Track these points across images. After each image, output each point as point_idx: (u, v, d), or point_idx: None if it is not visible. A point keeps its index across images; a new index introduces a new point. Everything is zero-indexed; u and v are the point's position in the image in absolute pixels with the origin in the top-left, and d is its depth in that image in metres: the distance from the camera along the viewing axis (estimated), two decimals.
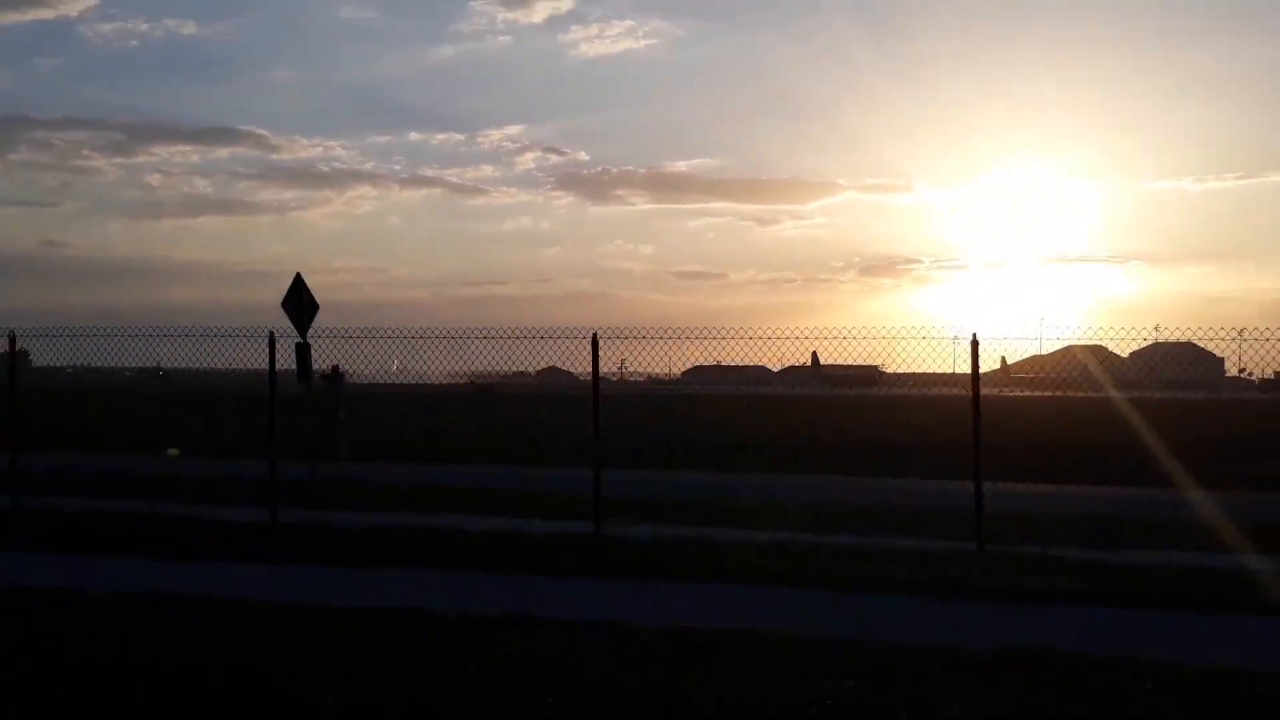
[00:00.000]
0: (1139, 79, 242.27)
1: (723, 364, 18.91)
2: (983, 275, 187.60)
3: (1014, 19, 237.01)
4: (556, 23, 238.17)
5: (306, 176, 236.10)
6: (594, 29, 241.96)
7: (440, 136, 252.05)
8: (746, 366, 21.89)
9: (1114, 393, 29.02)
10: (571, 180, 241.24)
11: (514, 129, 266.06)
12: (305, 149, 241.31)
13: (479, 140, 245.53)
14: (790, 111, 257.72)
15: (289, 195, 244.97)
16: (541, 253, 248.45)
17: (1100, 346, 17.96)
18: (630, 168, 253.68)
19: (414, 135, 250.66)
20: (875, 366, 19.49)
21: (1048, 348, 17.62)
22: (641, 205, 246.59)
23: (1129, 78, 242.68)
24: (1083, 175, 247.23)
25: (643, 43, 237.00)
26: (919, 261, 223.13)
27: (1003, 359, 20.58)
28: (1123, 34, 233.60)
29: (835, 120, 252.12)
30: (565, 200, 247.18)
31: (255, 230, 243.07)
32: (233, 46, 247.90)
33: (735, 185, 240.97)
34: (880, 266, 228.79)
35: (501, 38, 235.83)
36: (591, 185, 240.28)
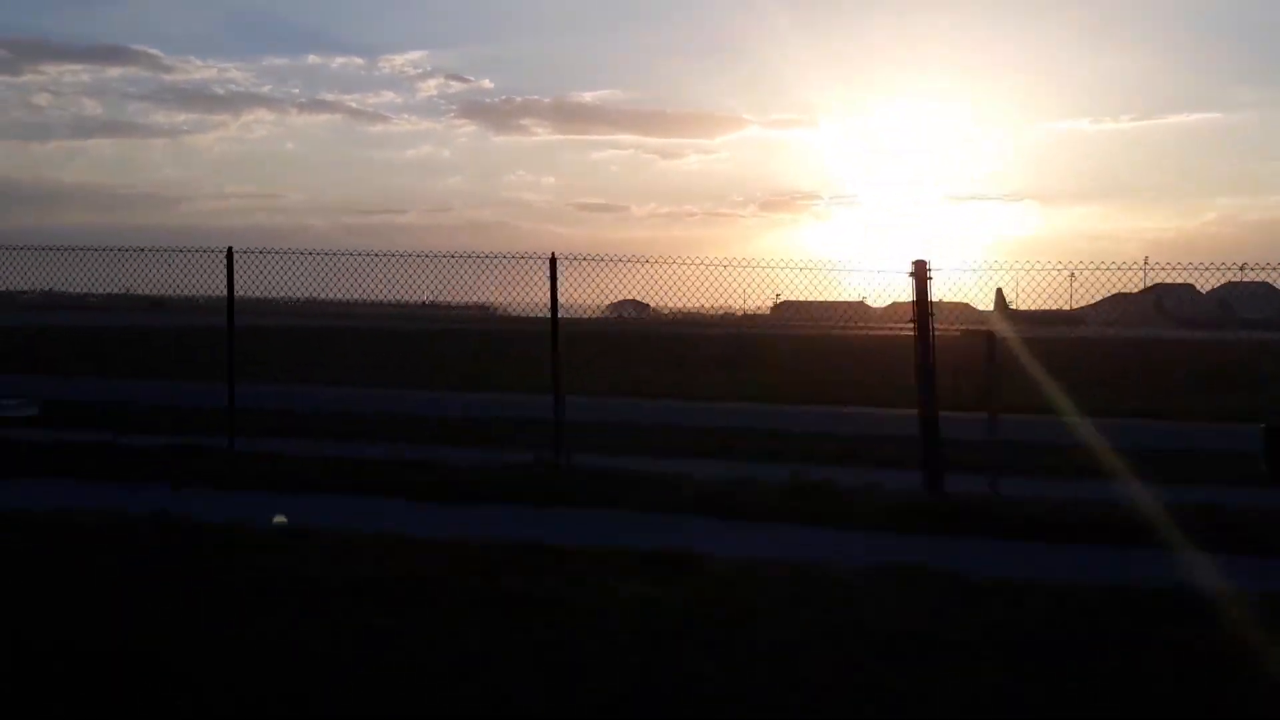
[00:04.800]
0: (1041, 21, 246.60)
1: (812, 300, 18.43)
2: (877, 212, 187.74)
3: None
4: None
5: (200, 99, 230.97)
6: None
7: (340, 60, 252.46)
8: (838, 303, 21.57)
9: None
10: (475, 109, 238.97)
11: (417, 54, 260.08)
12: (199, 70, 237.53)
13: (380, 65, 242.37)
14: (699, 46, 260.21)
15: (182, 118, 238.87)
16: (442, 182, 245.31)
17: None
18: (535, 97, 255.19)
19: (313, 58, 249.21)
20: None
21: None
22: (545, 136, 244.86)
23: (1032, 20, 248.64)
24: (984, 115, 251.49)
25: None
26: (819, 197, 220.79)
27: (998, 291, 20.48)
28: None
29: (743, 56, 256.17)
30: (468, 129, 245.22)
31: (147, 154, 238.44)
32: None
33: (641, 118, 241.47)
34: (780, 201, 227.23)
35: None
36: (495, 114, 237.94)
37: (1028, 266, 14.88)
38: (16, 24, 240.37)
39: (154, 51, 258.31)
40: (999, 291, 17.52)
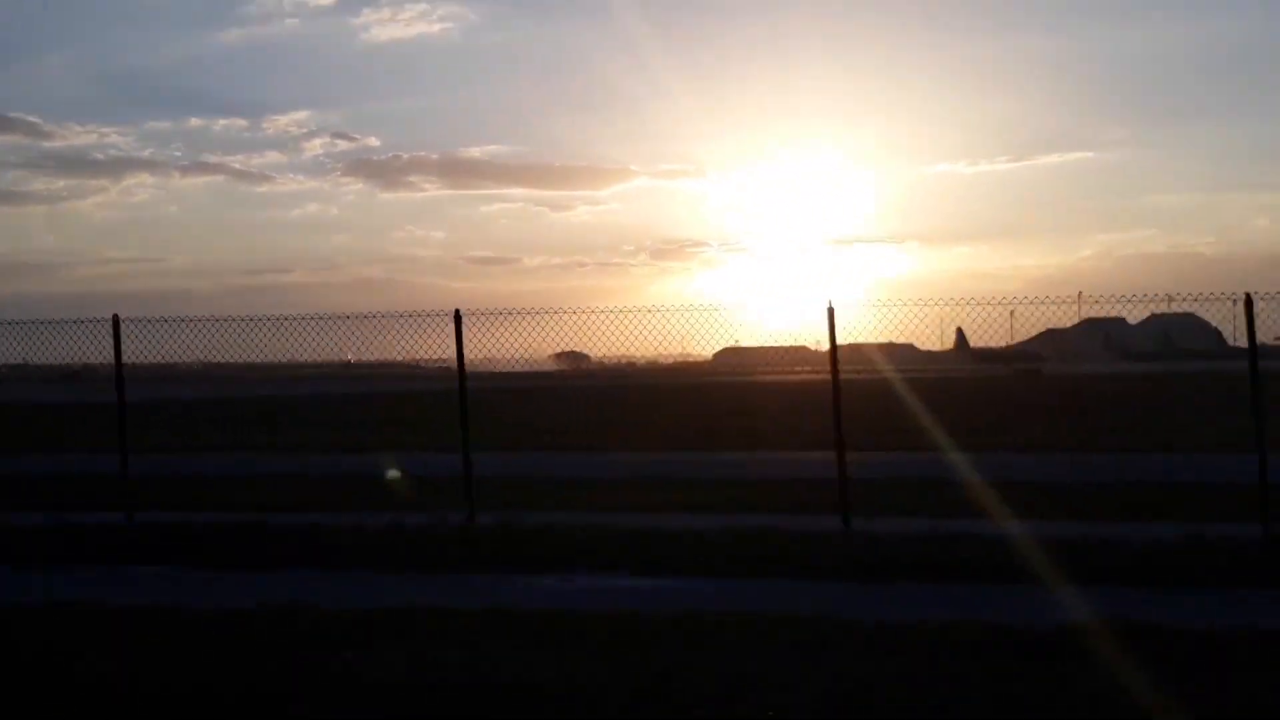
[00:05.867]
0: (917, 68, 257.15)
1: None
2: (766, 257, 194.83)
3: (796, 11, 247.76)
4: (347, 5, 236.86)
5: (80, 164, 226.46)
6: (386, 12, 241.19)
7: (223, 122, 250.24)
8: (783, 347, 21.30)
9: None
10: (361, 166, 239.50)
11: (301, 114, 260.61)
12: (79, 135, 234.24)
13: (264, 126, 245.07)
14: (585, 99, 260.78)
15: (60, 184, 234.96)
16: (328, 240, 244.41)
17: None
18: (422, 154, 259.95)
19: (195, 121, 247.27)
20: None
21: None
22: (434, 191, 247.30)
23: (909, 66, 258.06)
24: (864, 160, 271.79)
25: (436, 26, 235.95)
26: (707, 245, 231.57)
27: (959, 331, 20.25)
28: (899, 23, 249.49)
29: (629, 108, 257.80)
30: (355, 187, 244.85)
31: (23, 221, 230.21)
32: (1, 28, 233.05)
33: (529, 171, 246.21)
34: (670, 250, 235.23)
35: (289, 20, 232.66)
36: (382, 171, 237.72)
37: (970, 303, 14.92)
38: None
39: (32, 118, 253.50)
40: (959, 331, 17.38)
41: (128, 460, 15.18)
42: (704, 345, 17.72)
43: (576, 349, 17.51)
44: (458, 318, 14.52)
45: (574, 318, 15.58)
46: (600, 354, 20.45)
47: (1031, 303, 14.93)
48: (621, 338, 15.55)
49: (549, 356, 20.38)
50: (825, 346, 13.83)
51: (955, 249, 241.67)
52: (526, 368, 18.87)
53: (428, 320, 15.10)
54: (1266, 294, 12.46)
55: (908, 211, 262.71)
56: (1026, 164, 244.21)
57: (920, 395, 27.42)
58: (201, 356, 15.16)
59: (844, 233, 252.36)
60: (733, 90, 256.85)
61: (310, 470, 20.13)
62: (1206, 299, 14.19)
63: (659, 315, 15.19)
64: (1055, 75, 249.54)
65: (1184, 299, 15.76)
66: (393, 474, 15.63)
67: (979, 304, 15.01)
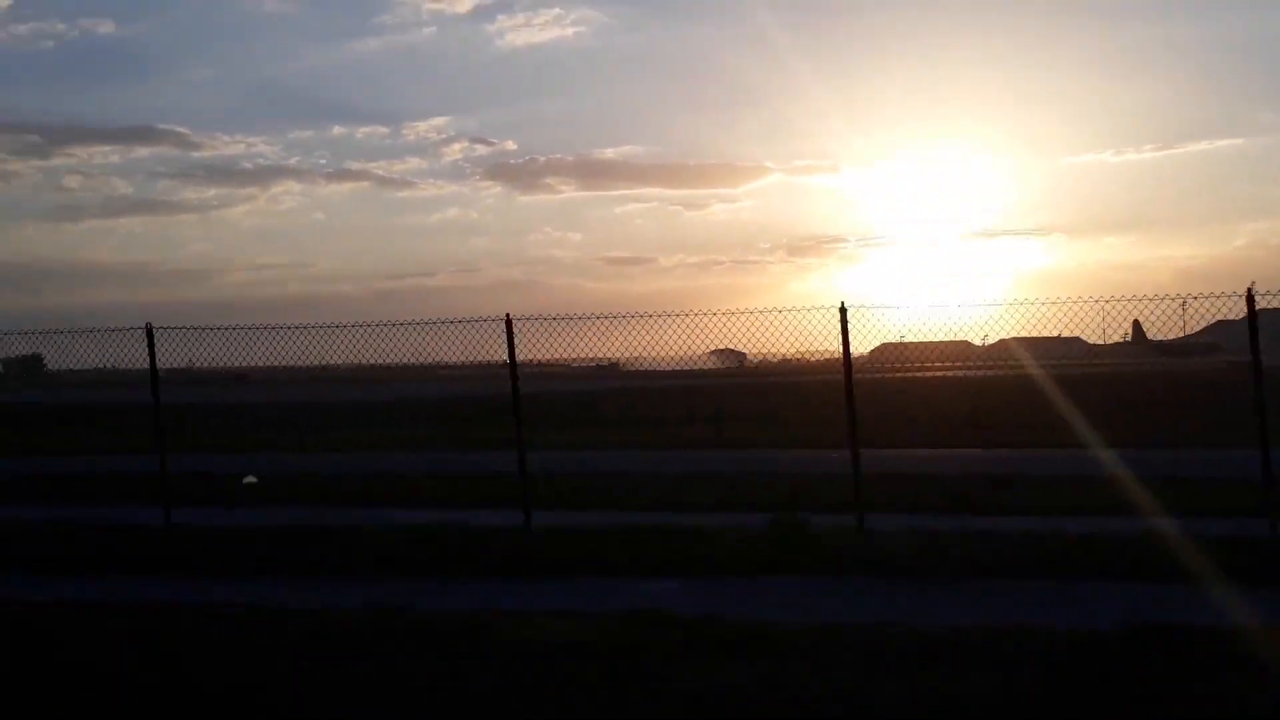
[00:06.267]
0: (1059, 54, 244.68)
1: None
2: (907, 251, 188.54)
3: (932, 1, 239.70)
4: (482, 12, 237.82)
5: (229, 174, 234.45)
6: (520, 18, 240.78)
7: (365, 130, 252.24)
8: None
9: None
10: (499, 170, 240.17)
11: (440, 120, 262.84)
12: (227, 146, 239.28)
13: (404, 132, 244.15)
14: (717, 97, 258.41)
15: (211, 193, 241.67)
16: (468, 243, 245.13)
17: None
18: (558, 156, 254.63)
19: (338, 129, 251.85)
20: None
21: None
22: (570, 193, 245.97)
23: (1050, 54, 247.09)
24: (1006, 150, 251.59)
25: (569, 30, 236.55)
26: (845, 240, 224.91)
27: (1135, 324, 19.90)
28: (1040, 10, 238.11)
29: (762, 105, 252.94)
30: (493, 190, 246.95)
31: (177, 230, 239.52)
32: (151, 44, 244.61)
33: (663, 171, 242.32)
34: (807, 246, 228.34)
35: (426, 29, 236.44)
36: (519, 175, 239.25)
37: (1138, 299, 14.63)
38: (47, 109, 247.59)
39: (182, 129, 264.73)
40: (1136, 324, 17.22)
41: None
42: (861, 342, 17.93)
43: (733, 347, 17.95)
44: (509, 323, 15.07)
45: (723, 319, 15.61)
46: (754, 352, 20.75)
47: (1203, 297, 14.65)
48: (776, 336, 15.81)
49: (705, 354, 20.82)
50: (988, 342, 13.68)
51: (1102, 240, 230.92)
52: (682, 365, 19.38)
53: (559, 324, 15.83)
54: None
55: (1052, 203, 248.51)
56: (1175, 152, 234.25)
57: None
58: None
59: (986, 225, 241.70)
60: (868, 84, 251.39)
61: None
62: None
63: (811, 314, 15.52)
64: (1203, 61, 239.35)
65: None
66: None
67: (1146, 299, 14.74)
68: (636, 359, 20.61)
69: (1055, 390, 25.28)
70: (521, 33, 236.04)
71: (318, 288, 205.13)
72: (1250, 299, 12.30)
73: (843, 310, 13.55)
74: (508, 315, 15.28)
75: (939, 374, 59.76)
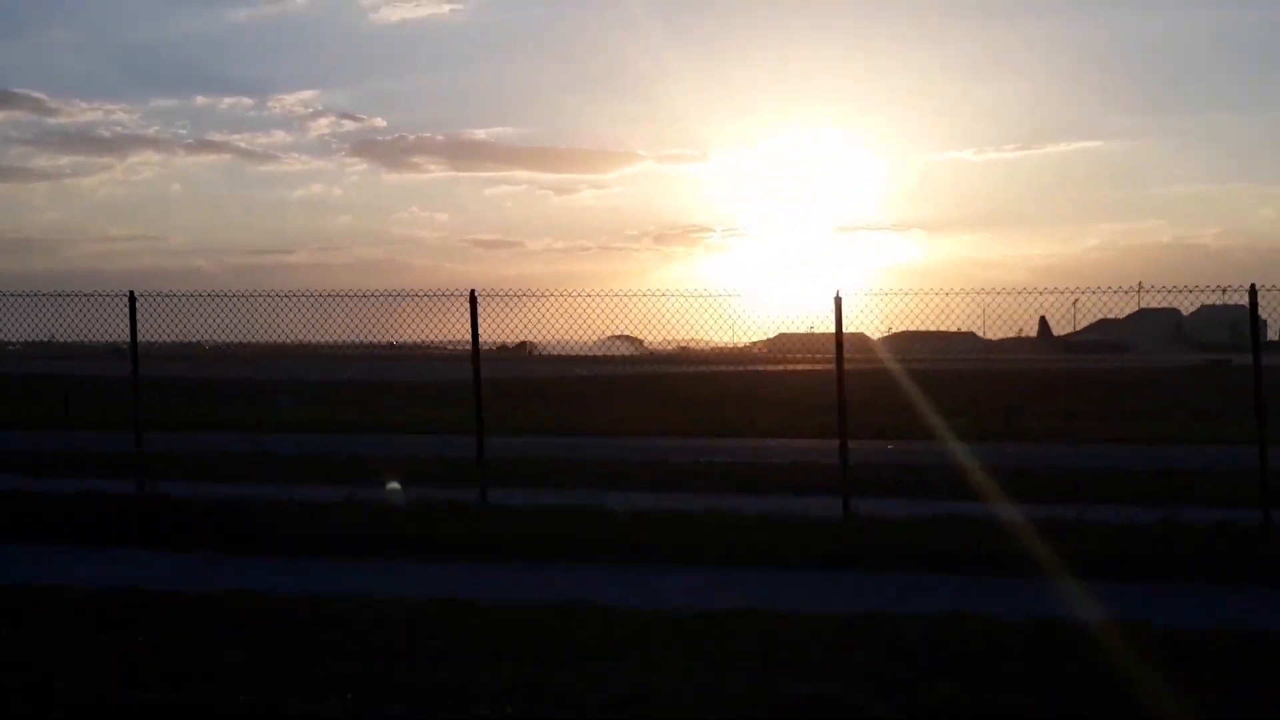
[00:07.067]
0: (925, 53, 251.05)
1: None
2: (771, 242, 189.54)
3: None
4: None
5: (85, 141, 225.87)
6: None
7: (229, 100, 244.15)
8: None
9: None
10: (366, 147, 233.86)
11: (308, 94, 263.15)
12: (84, 112, 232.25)
13: (270, 105, 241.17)
14: (591, 82, 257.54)
15: (65, 161, 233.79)
16: (332, 221, 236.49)
17: None
18: (428, 135, 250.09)
19: (201, 99, 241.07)
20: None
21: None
22: (438, 173, 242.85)
23: (916, 53, 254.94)
24: (871, 146, 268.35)
25: (445, 8, 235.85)
26: (711, 230, 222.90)
27: (1042, 320, 20.14)
28: (908, 8, 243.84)
29: (635, 91, 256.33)
30: (359, 168, 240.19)
31: (28, 197, 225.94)
32: (7, 2, 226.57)
33: (534, 154, 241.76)
34: (674, 235, 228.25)
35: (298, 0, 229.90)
36: (387, 152, 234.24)
37: (1039, 291, 14.77)
38: None
39: (37, 94, 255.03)
40: (1043, 320, 17.21)
41: None
42: (744, 333, 17.77)
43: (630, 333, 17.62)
44: (473, 299, 14.49)
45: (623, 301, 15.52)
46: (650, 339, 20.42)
47: (1095, 292, 14.84)
48: (672, 323, 15.49)
49: (604, 339, 20.40)
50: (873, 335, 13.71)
51: (960, 237, 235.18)
52: (583, 351, 19.01)
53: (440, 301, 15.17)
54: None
55: (914, 199, 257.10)
56: (1034, 152, 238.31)
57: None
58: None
59: (850, 219, 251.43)
60: (739, 75, 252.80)
61: None
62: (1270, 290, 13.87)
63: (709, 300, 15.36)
64: (1064, 64, 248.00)
65: (1240, 290, 15.17)
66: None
67: (1046, 293, 14.91)
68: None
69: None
70: (396, 7, 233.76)
71: (171, 261, 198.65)
72: (1252, 292, 12.18)
73: (838, 301, 13.23)
74: (472, 291, 14.76)
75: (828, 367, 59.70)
